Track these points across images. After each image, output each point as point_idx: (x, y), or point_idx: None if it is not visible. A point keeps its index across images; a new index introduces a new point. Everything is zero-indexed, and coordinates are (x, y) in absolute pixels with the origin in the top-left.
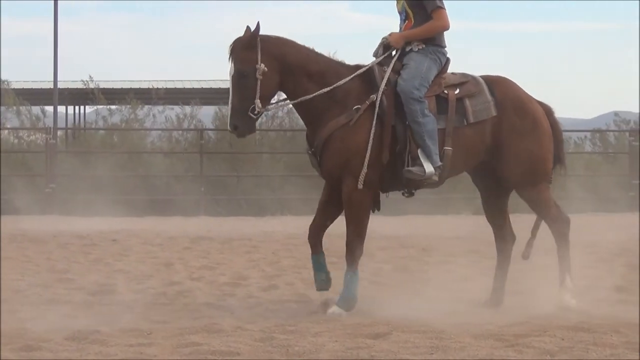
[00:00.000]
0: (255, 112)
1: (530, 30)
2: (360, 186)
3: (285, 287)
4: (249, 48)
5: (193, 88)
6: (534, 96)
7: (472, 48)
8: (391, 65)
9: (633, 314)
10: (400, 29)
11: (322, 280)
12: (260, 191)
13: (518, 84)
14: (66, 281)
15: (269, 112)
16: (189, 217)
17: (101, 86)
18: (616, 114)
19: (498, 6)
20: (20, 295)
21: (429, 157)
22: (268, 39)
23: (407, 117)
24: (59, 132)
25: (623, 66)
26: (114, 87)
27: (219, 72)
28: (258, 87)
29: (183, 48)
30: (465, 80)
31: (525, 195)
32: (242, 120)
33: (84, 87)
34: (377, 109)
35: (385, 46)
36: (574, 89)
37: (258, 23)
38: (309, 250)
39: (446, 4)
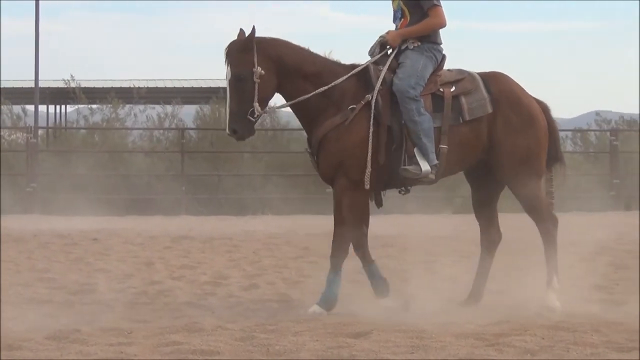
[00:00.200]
0: (255, 116)
1: (511, 30)
2: (367, 186)
3: (266, 286)
4: (245, 51)
5: (174, 87)
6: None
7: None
8: (387, 64)
9: (614, 313)
10: (396, 27)
11: (381, 287)
12: (241, 190)
13: (514, 80)
14: (47, 280)
15: None
16: (169, 216)
17: (82, 85)
18: (597, 113)
19: (478, 6)
20: (1, 295)
21: (425, 156)
22: (264, 41)
23: (403, 116)
24: (40, 131)
25: (604, 66)
26: (95, 86)
27: (200, 71)
28: (256, 90)
29: (164, 47)
30: (461, 78)
31: (517, 192)
32: (241, 124)
33: (65, 86)
34: (372, 109)
35: (382, 44)
36: (556, 88)
37: (253, 27)
38: (291, 250)
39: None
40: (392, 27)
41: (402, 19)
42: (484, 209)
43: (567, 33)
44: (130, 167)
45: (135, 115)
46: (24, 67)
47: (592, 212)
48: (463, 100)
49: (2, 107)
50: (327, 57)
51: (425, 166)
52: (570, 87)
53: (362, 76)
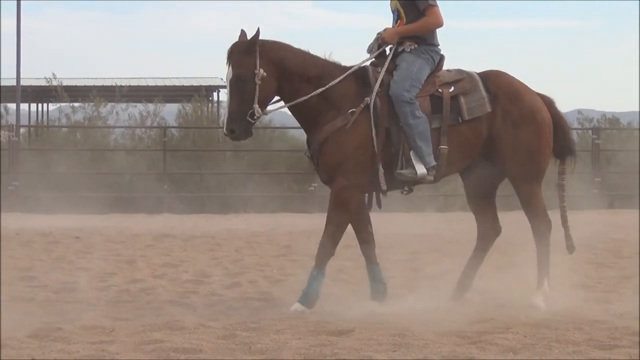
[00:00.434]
0: (255, 117)
1: (494, 28)
2: (383, 187)
3: (248, 284)
4: (248, 53)
5: (156, 85)
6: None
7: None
8: (385, 66)
9: (596, 312)
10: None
11: (379, 291)
12: (223, 189)
13: (514, 76)
14: (29, 279)
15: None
16: (152, 214)
17: (64, 83)
18: (579, 112)
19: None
20: None
21: (422, 159)
22: (266, 43)
23: (399, 119)
24: (22, 130)
25: (586, 65)
26: (77, 84)
27: (182, 69)
28: (257, 92)
29: (146, 46)
30: (460, 78)
31: (517, 187)
32: (240, 125)
33: (47, 84)
34: (371, 112)
35: (380, 42)
36: (537, 87)
37: (258, 29)
38: (273, 248)
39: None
40: (375, 24)
41: (399, 20)
42: (481, 204)
43: (548, 31)
44: (112, 166)
45: (117, 113)
46: (5, 65)
47: (573, 210)
48: (462, 100)
49: None
50: (327, 59)
51: (421, 169)
52: (551, 86)
53: (361, 78)
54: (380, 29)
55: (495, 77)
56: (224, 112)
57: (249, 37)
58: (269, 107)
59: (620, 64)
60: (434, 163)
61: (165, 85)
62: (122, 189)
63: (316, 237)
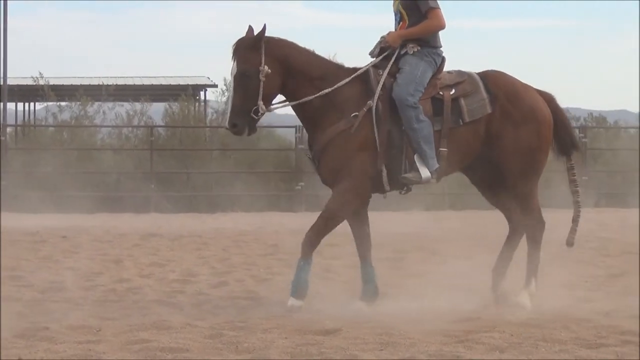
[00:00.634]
0: (259, 114)
1: (481, 27)
2: (387, 188)
3: (235, 283)
4: (253, 49)
5: (143, 84)
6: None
7: None
8: (387, 69)
9: (582, 310)
10: (395, 29)
11: (368, 292)
12: (210, 188)
13: (513, 76)
14: (15, 278)
15: (220, 108)
16: (138, 213)
17: (51, 83)
18: (566, 110)
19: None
20: None
21: (425, 162)
22: (272, 40)
23: (403, 123)
24: (9, 129)
25: (572, 63)
26: (64, 83)
27: (168, 68)
28: (261, 89)
29: (133, 44)
30: (461, 80)
31: (514, 186)
32: (243, 120)
33: (34, 83)
34: (374, 115)
35: (383, 46)
36: None
37: (264, 25)
38: (260, 247)
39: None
40: (366, 23)
41: (401, 22)
42: (501, 199)
43: (535, 30)
44: (99, 165)
45: (104, 112)
46: None
47: (560, 208)
48: (462, 102)
49: None
50: (331, 60)
51: (425, 173)
52: (538, 84)
53: (364, 80)
54: (384, 32)
55: (494, 78)
56: (227, 106)
57: (255, 33)
58: (273, 105)
59: (606, 63)
60: (437, 166)
61: (152, 84)
62: (109, 188)
63: (303, 235)
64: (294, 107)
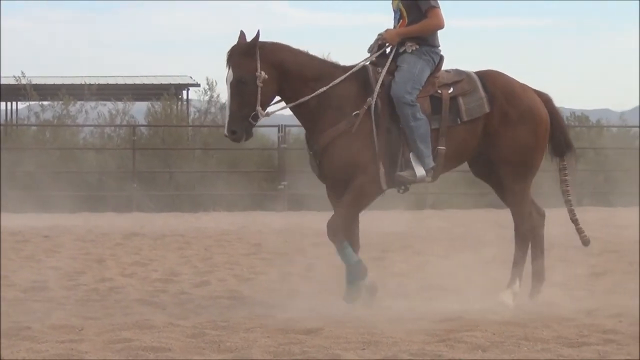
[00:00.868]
0: (257, 119)
1: (464, 27)
2: (384, 187)
3: (218, 283)
4: (248, 55)
5: (126, 84)
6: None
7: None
8: (386, 67)
9: (564, 309)
10: (395, 27)
11: (352, 294)
12: (192, 187)
13: (510, 76)
14: None
15: (202, 108)
16: (121, 213)
17: (33, 82)
18: None
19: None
20: None
21: (421, 160)
22: (266, 45)
23: (400, 121)
24: None
25: (555, 62)
26: (46, 82)
27: (151, 68)
28: (259, 94)
29: (115, 44)
30: (459, 79)
31: (509, 185)
32: (241, 126)
33: (16, 82)
34: (372, 113)
35: (380, 43)
36: None
37: (258, 31)
38: (243, 247)
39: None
40: (353, 23)
41: (401, 20)
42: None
43: (514, 30)
44: (82, 164)
45: (86, 112)
46: None
47: (544, 208)
48: (461, 101)
49: None
50: (326, 59)
51: (420, 171)
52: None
53: (362, 78)
54: (382, 30)
55: (492, 77)
56: (225, 113)
57: (247, 38)
58: (271, 108)
59: (590, 62)
60: (432, 164)
61: (135, 84)
62: (91, 188)
63: (286, 235)
64: (292, 109)
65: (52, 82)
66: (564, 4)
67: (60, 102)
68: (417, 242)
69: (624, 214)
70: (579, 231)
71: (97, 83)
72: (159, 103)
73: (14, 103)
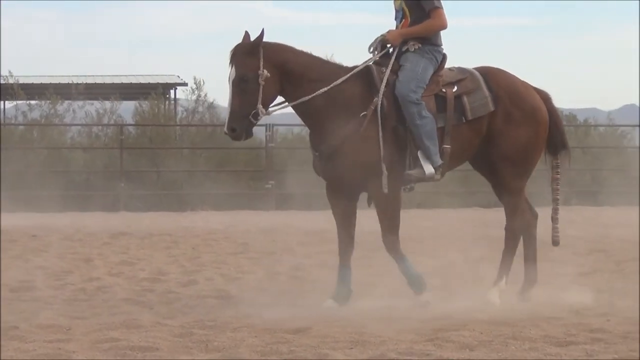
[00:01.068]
0: (258, 118)
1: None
2: (385, 190)
3: (205, 282)
4: (251, 54)
5: (113, 83)
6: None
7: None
8: (390, 66)
9: (552, 308)
10: (397, 27)
11: (341, 293)
12: (180, 186)
13: (513, 74)
14: None
15: (190, 107)
16: (108, 212)
17: (20, 81)
18: None
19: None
20: None
21: (429, 158)
22: (269, 45)
23: (406, 120)
24: None
25: (542, 61)
26: (34, 82)
27: (138, 67)
28: (260, 93)
29: (103, 43)
30: (462, 77)
31: (505, 183)
32: (242, 124)
33: (3, 82)
34: (379, 113)
35: (383, 43)
36: None
37: (262, 30)
38: (230, 246)
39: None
40: (337, 22)
41: (403, 19)
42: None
43: (502, 28)
44: (69, 164)
45: (73, 111)
46: None
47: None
48: (465, 100)
49: None
50: (329, 60)
51: (429, 169)
52: None
53: (366, 78)
54: (384, 30)
55: (495, 76)
56: (225, 111)
57: (251, 39)
58: (272, 108)
59: (577, 60)
60: (440, 162)
61: (122, 83)
62: (78, 187)
63: (273, 234)
64: (295, 108)
65: (39, 82)
66: (550, 4)
67: (48, 101)
68: (404, 241)
69: (611, 213)
70: (554, 230)
71: (84, 82)
72: (146, 102)
73: (1, 102)
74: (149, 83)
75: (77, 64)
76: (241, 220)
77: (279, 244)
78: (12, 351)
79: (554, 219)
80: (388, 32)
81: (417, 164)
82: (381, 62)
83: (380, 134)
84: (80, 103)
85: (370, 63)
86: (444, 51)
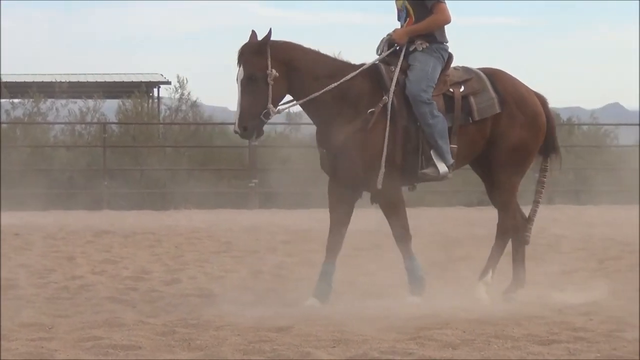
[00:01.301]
0: (269, 117)
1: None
2: (379, 186)
3: (188, 280)
4: (259, 53)
5: (96, 82)
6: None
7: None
8: (399, 65)
9: (535, 307)
10: (401, 26)
11: (322, 290)
12: (163, 185)
13: (515, 77)
14: None
15: (173, 105)
16: (92, 210)
17: (4, 79)
18: None
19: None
20: None
21: (442, 157)
22: (276, 44)
23: (418, 119)
24: None
25: (526, 60)
26: (17, 80)
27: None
28: (270, 92)
29: (85, 41)
30: (468, 77)
31: (500, 181)
32: (252, 123)
33: None
34: (389, 111)
35: (390, 43)
36: None
37: (270, 29)
38: (213, 245)
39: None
40: (323, 21)
41: (407, 18)
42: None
43: (485, 27)
44: (52, 162)
45: (57, 109)
46: None
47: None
48: (472, 100)
49: None
50: (337, 57)
51: (442, 168)
52: None
53: (374, 77)
54: (390, 30)
55: (501, 79)
56: (235, 110)
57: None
58: (282, 106)
59: (560, 60)
60: (452, 161)
61: (105, 81)
62: (61, 186)
63: (256, 233)
64: (303, 106)
65: (22, 80)
66: (534, 4)
67: (31, 99)
68: (388, 240)
69: (594, 212)
70: (527, 230)
71: (67, 81)
72: (129, 101)
73: None
74: (132, 81)
75: (60, 62)
76: (224, 218)
77: (262, 242)
78: None
79: (531, 219)
80: (394, 31)
81: (430, 163)
82: (389, 61)
83: (387, 131)
84: (63, 101)
85: (378, 62)
86: (450, 49)
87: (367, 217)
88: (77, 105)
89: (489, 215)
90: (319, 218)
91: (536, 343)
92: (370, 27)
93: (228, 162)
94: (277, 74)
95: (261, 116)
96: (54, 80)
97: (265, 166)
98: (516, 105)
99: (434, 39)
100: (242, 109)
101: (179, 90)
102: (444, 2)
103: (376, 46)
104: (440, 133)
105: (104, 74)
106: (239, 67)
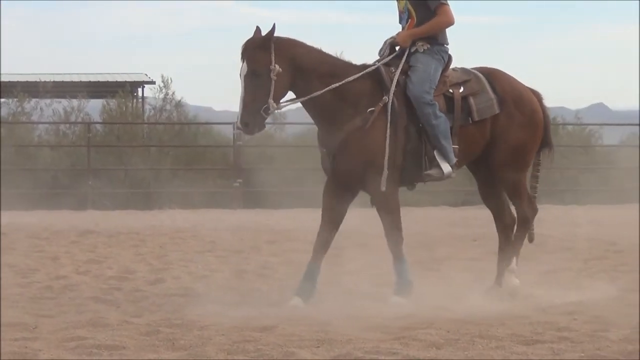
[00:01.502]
0: (269, 112)
1: None
2: (382, 188)
3: (172, 280)
4: (263, 49)
5: (80, 81)
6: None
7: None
8: (400, 67)
9: (519, 306)
10: (403, 28)
11: (305, 289)
12: (148, 185)
13: (512, 76)
14: None
15: (157, 105)
16: (76, 210)
17: None
18: None
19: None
20: None
21: (446, 157)
22: (280, 40)
23: (421, 121)
24: None
25: (510, 59)
26: (1, 80)
27: (106, 65)
28: (272, 87)
29: (70, 41)
30: (467, 78)
31: (506, 179)
32: (254, 118)
33: None
34: (389, 111)
35: (392, 45)
36: None
37: (274, 25)
38: (198, 244)
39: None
40: (302, 20)
41: (409, 20)
42: (492, 198)
43: (468, 27)
44: (37, 162)
45: (41, 109)
46: None
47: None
48: (471, 101)
49: None
50: (339, 57)
51: (446, 168)
52: None
53: (375, 78)
54: (393, 34)
55: (499, 79)
56: (238, 105)
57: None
58: (283, 102)
59: (544, 59)
60: (455, 160)
61: (90, 81)
62: (46, 185)
63: (241, 232)
64: (304, 104)
65: (6, 80)
66: (520, 3)
67: (15, 99)
68: (373, 239)
69: (579, 211)
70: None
71: (52, 80)
72: (114, 100)
73: None
74: (116, 81)
75: (44, 62)
76: (209, 218)
77: (246, 242)
78: None
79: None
80: (397, 34)
81: (433, 163)
82: (389, 62)
83: (388, 132)
84: (47, 101)
85: (382, 64)
86: (449, 51)
87: (350, 217)
88: (61, 104)
89: (473, 215)
90: (304, 218)
91: (520, 343)
92: (358, 27)
93: (212, 161)
94: (281, 69)
95: (262, 112)
96: (38, 80)
97: (250, 166)
98: (514, 104)
99: (435, 40)
100: (244, 104)
101: (164, 90)
102: (448, 4)
103: (379, 48)
104: (444, 133)
105: (88, 73)
106: (243, 62)
